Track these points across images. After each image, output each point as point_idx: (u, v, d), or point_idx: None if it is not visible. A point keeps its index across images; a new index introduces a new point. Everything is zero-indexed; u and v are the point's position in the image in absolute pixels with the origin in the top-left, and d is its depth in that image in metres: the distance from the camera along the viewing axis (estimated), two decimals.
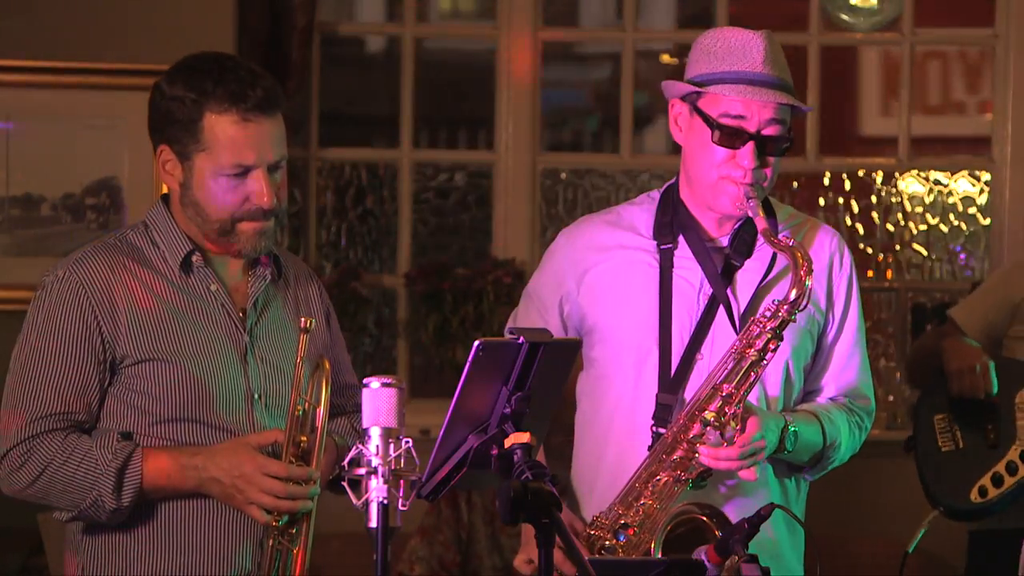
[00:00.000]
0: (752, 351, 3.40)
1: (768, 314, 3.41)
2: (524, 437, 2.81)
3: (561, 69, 7.52)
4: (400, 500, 2.77)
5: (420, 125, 6.52)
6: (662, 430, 3.44)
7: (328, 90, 6.36)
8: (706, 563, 3.12)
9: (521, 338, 2.82)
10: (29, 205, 5.82)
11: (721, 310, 3.50)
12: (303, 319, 3.28)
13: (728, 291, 3.51)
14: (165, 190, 3.43)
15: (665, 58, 7.31)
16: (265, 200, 3.27)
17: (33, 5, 5.79)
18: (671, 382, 3.48)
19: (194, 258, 3.34)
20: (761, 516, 3.09)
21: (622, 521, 3.42)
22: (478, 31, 7.13)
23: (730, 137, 3.43)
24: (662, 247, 3.54)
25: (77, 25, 5.79)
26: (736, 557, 3.06)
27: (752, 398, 3.44)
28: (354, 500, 2.78)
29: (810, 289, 3.41)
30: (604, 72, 7.53)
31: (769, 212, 3.53)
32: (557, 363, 2.91)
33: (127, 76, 5.79)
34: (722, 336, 3.49)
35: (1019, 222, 6.27)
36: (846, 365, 3.61)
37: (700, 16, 7.51)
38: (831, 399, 3.61)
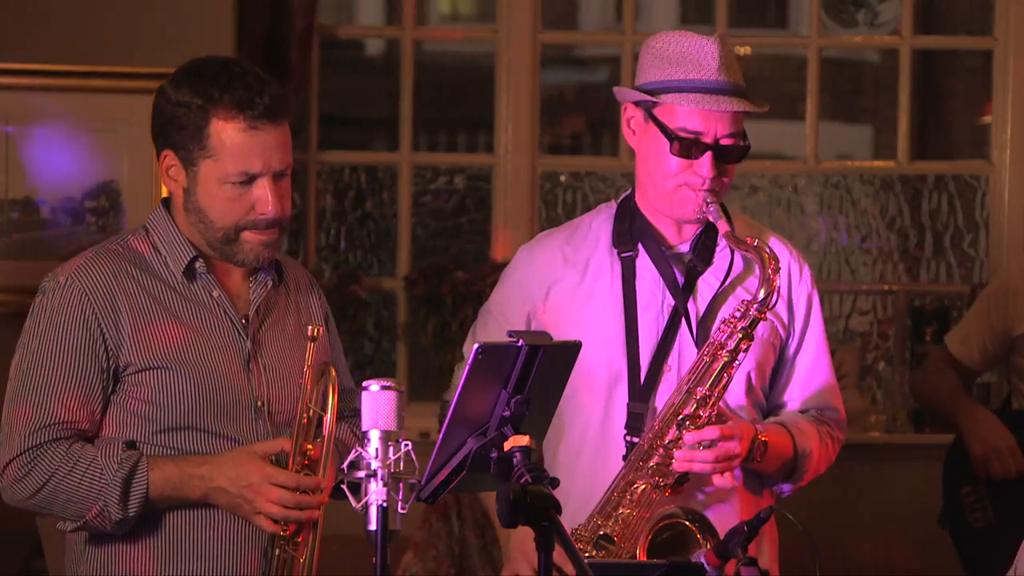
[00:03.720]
0: (724, 352, 3.38)
1: (738, 314, 3.39)
2: (523, 440, 2.81)
3: (560, 72, 7.52)
4: (399, 503, 2.77)
5: (419, 128, 6.51)
6: (636, 439, 3.43)
7: (327, 93, 6.36)
8: (705, 566, 3.12)
9: (520, 341, 2.82)
10: (29, 208, 5.82)
11: (683, 320, 3.48)
12: (310, 328, 3.27)
13: (690, 301, 3.49)
14: (165, 193, 3.41)
15: None
16: (270, 209, 3.25)
17: (33, 9, 5.79)
18: (641, 390, 3.46)
19: (197, 264, 3.32)
20: (760, 519, 3.09)
21: (601, 532, 3.40)
22: (477, 34, 7.13)
23: (688, 148, 3.41)
24: (623, 255, 3.52)
25: (77, 28, 5.79)
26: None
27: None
28: (353, 503, 2.78)
29: (779, 287, 3.40)
30: (603, 75, 7.53)
31: (727, 217, 3.51)
32: (557, 366, 2.91)
33: (127, 80, 5.78)
34: (687, 346, 3.48)
35: (1017, 225, 6.28)
36: (812, 377, 3.59)
37: (699, 19, 7.52)
38: (800, 411, 3.59)
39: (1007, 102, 6.29)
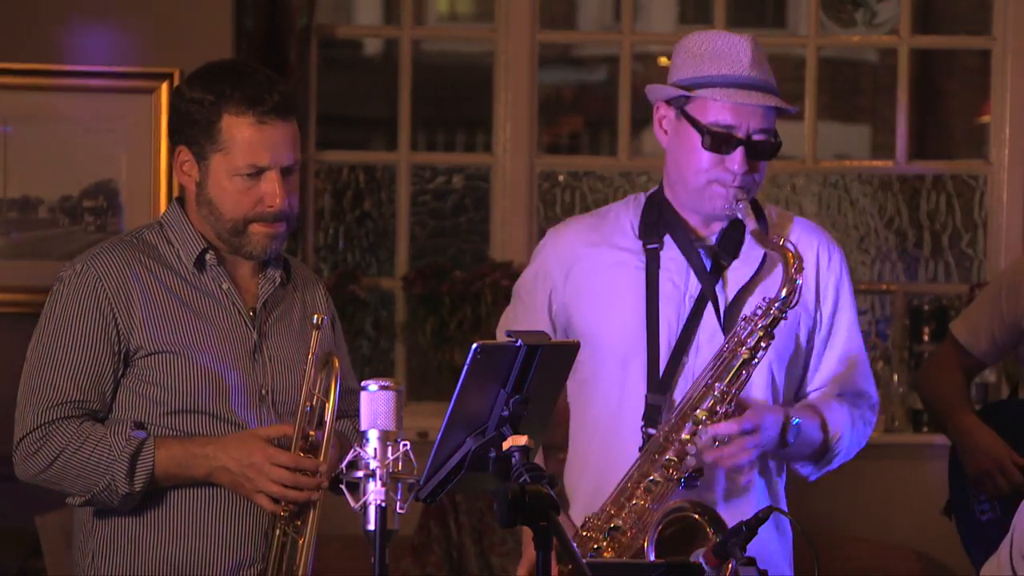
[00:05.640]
0: (744, 349, 3.40)
1: (759, 312, 3.41)
2: (522, 440, 2.81)
3: (559, 71, 7.52)
4: (398, 503, 2.77)
5: (418, 127, 6.51)
6: (652, 431, 3.44)
7: (326, 92, 6.36)
8: (704, 565, 3.12)
9: (519, 341, 2.82)
10: (27, 207, 5.82)
11: (708, 310, 3.49)
12: (315, 315, 3.39)
13: (716, 289, 3.50)
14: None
15: (663, 60, 7.31)
16: (277, 201, 3.39)
17: (32, 8, 5.79)
18: (659, 383, 3.47)
19: (208, 256, 3.46)
20: (759, 519, 3.09)
21: (613, 523, 3.42)
22: (476, 33, 7.13)
23: (720, 143, 3.42)
24: (648, 247, 3.53)
25: (76, 28, 5.79)
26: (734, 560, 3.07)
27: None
28: (352, 503, 2.79)
29: (800, 287, 3.40)
30: (601, 74, 7.53)
31: (758, 213, 3.53)
32: (555, 365, 2.91)
33: (125, 79, 5.79)
34: (708, 337, 3.49)
35: (1016, 224, 6.28)
36: (843, 363, 3.60)
37: (698, 18, 7.52)
38: (835, 395, 3.60)
39: (1005, 102, 6.29)
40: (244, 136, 3.37)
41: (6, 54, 5.75)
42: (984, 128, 6.55)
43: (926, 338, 6.28)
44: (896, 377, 6.32)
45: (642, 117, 7.10)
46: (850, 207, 6.82)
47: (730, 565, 3.09)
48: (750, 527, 3.09)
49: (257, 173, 3.39)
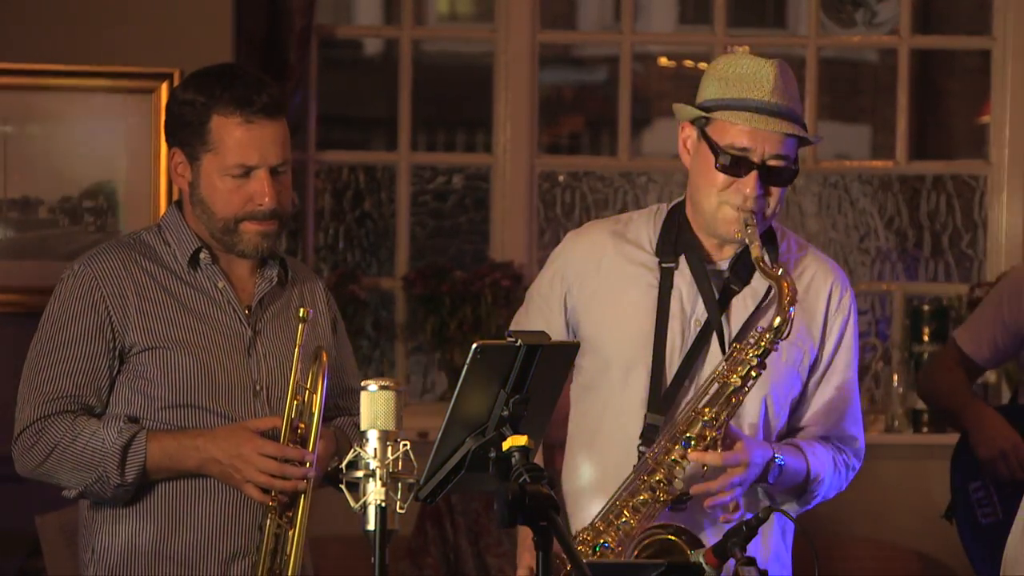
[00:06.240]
0: (735, 377, 3.38)
1: (752, 341, 3.39)
2: (522, 440, 2.81)
3: (559, 71, 7.52)
4: (398, 503, 2.78)
5: (418, 128, 6.51)
6: (646, 450, 3.44)
7: (326, 93, 6.36)
8: (704, 565, 3.12)
9: (519, 341, 2.82)
10: (27, 207, 5.82)
11: (713, 337, 3.48)
12: (301, 309, 3.44)
13: (723, 318, 3.49)
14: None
15: (663, 61, 7.32)
16: (267, 200, 3.46)
17: (32, 8, 5.79)
18: (659, 403, 3.47)
19: (202, 255, 3.54)
20: (759, 519, 3.09)
21: (602, 539, 3.41)
22: (476, 33, 7.13)
23: (734, 165, 3.42)
24: (663, 265, 3.53)
25: (76, 28, 5.79)
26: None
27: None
28: (352, 503, 2.79)
29: (792, 318, 3.38)
30: (601, 74, 7.53)
31: (771, 241, 3.52)
32: (555, 366, 2.91)
33: (125, 79, 5.79)
34: (712, 363, 3.47)
35: (1016, 225, 6.28)
36: (834, 406, 3.58)
37: (698, 18, 7.52)
38: (819, 437, 3.58)
39: (1005, 102, 6.29)
40: (233, 136, 3.45)
41: (6, 54, 5.75)
42: (984, 128, 6.55)
43: (926, 338, 6.28)
44: (896, 377, 6.32)
45: (642, 117, 7.11)
46: (850, 207, 6.81)
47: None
48: (750, 527, 3.09)
49: (246, 173, 3.46)
